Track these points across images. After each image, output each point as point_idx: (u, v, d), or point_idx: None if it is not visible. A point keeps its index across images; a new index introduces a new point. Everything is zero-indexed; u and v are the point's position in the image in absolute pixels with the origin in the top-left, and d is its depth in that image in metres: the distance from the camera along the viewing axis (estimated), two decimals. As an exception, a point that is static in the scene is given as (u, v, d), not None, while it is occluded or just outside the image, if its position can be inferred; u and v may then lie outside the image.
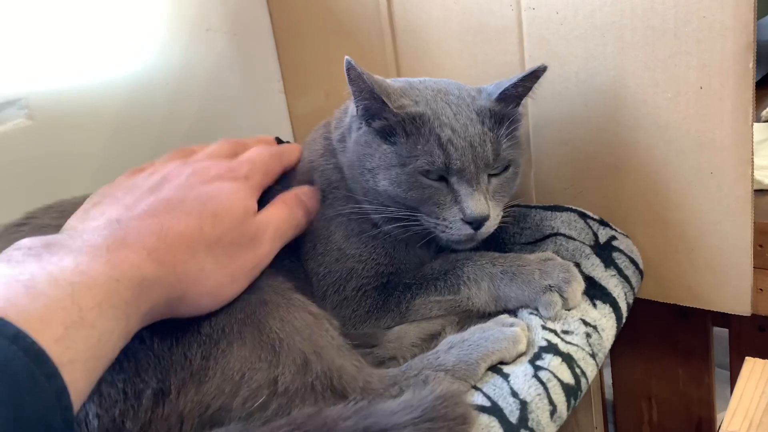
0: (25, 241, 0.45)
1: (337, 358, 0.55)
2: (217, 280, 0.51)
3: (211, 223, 0.51)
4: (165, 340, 0.51)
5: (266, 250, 0.57)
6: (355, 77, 0.62)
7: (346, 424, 0.46)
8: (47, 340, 0.37)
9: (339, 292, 0.66)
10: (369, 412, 0.48)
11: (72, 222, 0.55)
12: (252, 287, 0.56)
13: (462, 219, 0.63)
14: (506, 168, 0.66)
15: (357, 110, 0.65)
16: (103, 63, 0.86)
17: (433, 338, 0.65)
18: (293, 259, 0.67)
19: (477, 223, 0.63)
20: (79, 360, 0.38)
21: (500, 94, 0.65)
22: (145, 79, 0.92)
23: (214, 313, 0.53)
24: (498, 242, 0.74)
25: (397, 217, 0.64)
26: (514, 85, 0.65)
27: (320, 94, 1.02)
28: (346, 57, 0.61)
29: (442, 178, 0.63)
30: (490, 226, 0.64)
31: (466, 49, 0.83)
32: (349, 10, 0.94)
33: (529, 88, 0.66)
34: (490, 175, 0.65)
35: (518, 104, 0.67)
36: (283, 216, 0.61)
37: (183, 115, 0.96)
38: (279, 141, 1.01)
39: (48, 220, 0.61)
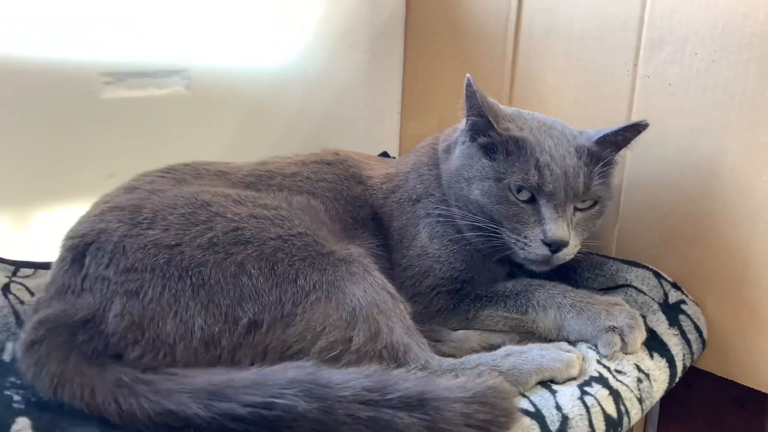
0: None
1: (406, 336, 0.61)
2: None
3: None
4: (269, 280, 0.59)
5: None
6: (470, 94, 0.70)
7: (405, 385, 0.52)
8: None
9: (414, 287, 0.73)
10: (427, 380, 0.54)
11: None
12: (344, 258, 0.63)
13: (542, 240, 0.68)
14: (593, 205, 0.72)
15: (466, 125, 0.73)
16: (255, 54, 0.99)
17: (492, 349, 0.69)
18: (380, 247, 0.74)
19: (555, 246, 0.68)
20: None
21: (600, 137, 0.71)
22: (288, 76, 1.04)
23: (310, 270, 0.60)
24: (570, 284, 0.78)
25: (481, 227, 0.70)
26: (615, 133, 0.71)
27: (433, 120, 1.11)
28: (468, 75, 0.70)
29: (531, 200, 0.69)
30: (567, 253, 0.69)
31: (578, 103, 0.89)
32: (477, 51, 1.03)
33: (629, 140, 0.72)
34: (576, 209, 0.71)
35: (615, 151, 0.73)
36: None
37: (310, 114, 1.08)
38: (386, 155, 1.11)
39: (187, 176, 0.71)
